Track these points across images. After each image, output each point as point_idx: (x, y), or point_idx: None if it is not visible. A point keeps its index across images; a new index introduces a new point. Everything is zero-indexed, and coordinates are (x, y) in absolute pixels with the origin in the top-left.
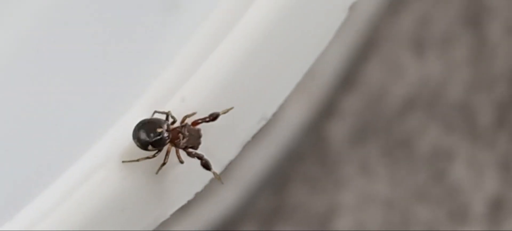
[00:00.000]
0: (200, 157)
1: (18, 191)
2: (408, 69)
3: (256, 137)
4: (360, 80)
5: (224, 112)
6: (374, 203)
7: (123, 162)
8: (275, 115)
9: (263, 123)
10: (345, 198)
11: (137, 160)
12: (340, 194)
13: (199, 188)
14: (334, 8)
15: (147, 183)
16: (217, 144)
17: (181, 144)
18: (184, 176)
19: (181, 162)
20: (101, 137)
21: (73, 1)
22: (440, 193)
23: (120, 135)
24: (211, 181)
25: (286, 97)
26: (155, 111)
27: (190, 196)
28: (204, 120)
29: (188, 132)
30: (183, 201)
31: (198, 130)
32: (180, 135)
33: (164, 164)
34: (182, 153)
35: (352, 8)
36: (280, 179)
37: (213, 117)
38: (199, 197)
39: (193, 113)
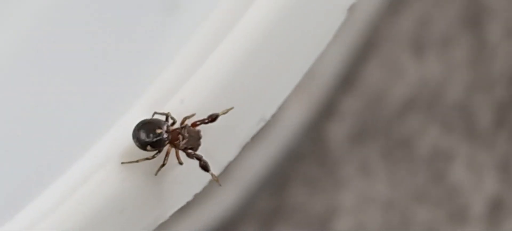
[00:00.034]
0: (199, 158)
1: (18, 191)
2: (407, 70)
3: (256, 137)
4: (360, 81)
5: (224, 113)
6: (373, 204)
7: (122, 163)
8: (275, 116)
9: (262, 124)
10: (345, 198)
11: (137, 161)
12: (339, 194)
13: (198, 189)
14: (333, 9)
15: (147, 184)
16: (216, 145)
17: (181, 145)
18: (183, 177)
19: (181, 163)
20: (101, 137)
21: (73, 1)
22: (439, 193)
23: (120, 135)
24: (211, 182)
25: (285, 99)
26: (155, 113)
27: (189, 197)
28: (203, 122)
29: (187, 133)
30: (182, 202)
31: (198, 131)
32: (179, 136)
33: (163, 165)
34: (182, 154)
35: (351, 9)
36: (280, 180)
37: (213, 118)
38: (199, 197)
39: (193, 115)
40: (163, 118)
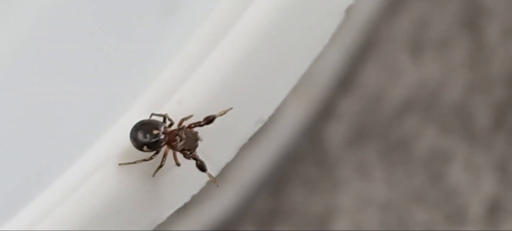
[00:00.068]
0: (195, 158)
1: (18, 191)
2: (406, 71)
3: (255, 139)
4: (358, 82)
5: (221, 114)
6: (371, 205)
7: (119, 164)
8: (273, 117)
9: (260, 125)
10: (343, 199)
11: (134, 162)
12: (337, 195)
13: (195, 190)
14: (330, 11)
15: (144, 185)
16: (213, 146)
17: (178, 146)
18: (181, 178)
19: (178, 164)
20: (101, 137)
21: (73, 1)
22: (437, 195)
23: (120, 135)
24: (208, 183)
25: (282, 100)
26: (152, 114)
27: (187, 198)
28: (200, 124)
29: (185, 134)
30: (180, 203)
31: (196, 133)
32: (177, 137)
33: (161, 166)
34: (179, 156)
35: (349, 10)
36: (278, 180)
37: (210, 120)
38: (197, 198)
39: (190, 116)
40: (160, 119)
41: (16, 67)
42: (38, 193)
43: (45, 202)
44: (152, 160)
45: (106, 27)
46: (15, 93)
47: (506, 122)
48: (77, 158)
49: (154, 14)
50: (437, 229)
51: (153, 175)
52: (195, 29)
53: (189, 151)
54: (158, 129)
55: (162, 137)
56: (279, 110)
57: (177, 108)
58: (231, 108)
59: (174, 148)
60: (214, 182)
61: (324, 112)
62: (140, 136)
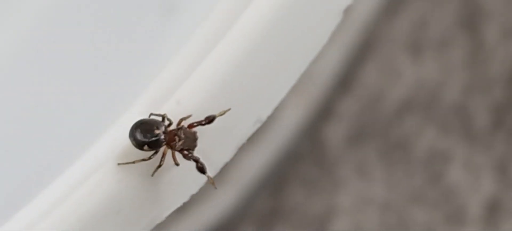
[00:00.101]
0: (196, 160)
1: (18, 191)
2: (405, 71)
3: (254, 139)
4: (357, 83)
5: (221, 115)
6: (371, 205)
7: (118, 164)
8: (272, 117)
9: (258, 125)
10: (342, 200)
11: (133, 162)
12: (337, 196)
13: (194, 190)
14: (328, 11)
15: (143, 185)
16: (212, 146)
17: (177, 146)
18: (180, 178)
19: (177, 164)
20: (101, 137)
21: (73, 1)
22: (436, 195)
23: (119, 135)
24: (207, 183)
25: (282, 100)
26: (151, 114)
27: (185, 198)
28: (200, 123)
29: (184, 134)
30: (179, 203)
31: (194, 133)
32: (176, 137)
33: (159, 166)
34: (178, 155)
35: (347, 11)
36: (277, 181)
37: (209, 120)
38: (197, 198)
39: (189, 116)
40: (159, 119)
41: (16, 67)
42: (38, 193)
43: (45, 202)
44: (151, 160)
45: (106, 27)
46: (15, 93)
47: (506, 122)
48: (77, 158)
49: (154, 14)
50: (437, 229)
51: (152, 175)
52: (195, 29)
53: (188, 151)
54: (158, 128)
55: (162, 136)
56: (278, 110)
57: (176, 108)
58: (229, 109)
59: (173, 148)
60: (212, 184)
61: (324, 112)
62: (140, 135)
